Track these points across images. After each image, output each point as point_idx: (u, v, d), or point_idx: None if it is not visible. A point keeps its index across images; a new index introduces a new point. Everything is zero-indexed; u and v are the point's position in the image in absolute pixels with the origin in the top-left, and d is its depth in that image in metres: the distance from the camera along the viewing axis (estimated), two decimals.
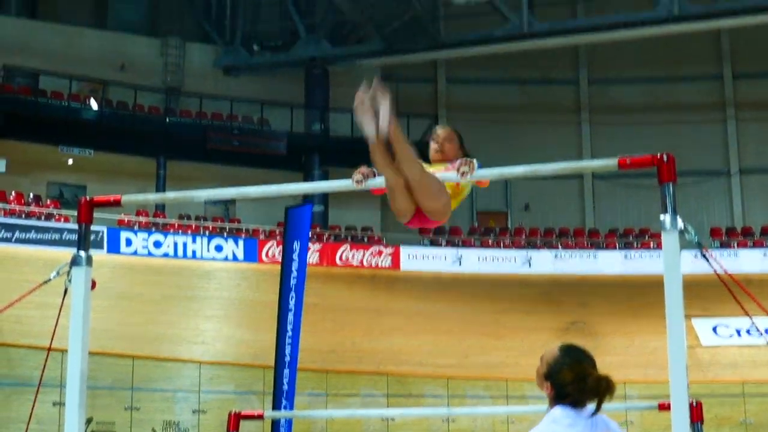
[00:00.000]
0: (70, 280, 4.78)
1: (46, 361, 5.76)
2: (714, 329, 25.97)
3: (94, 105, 32.08)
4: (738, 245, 31.64)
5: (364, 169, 4.78)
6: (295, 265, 12.35)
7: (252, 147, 32.43)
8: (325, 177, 32.81)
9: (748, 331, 25.21)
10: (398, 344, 24.20)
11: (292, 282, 12.10)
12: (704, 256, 4.14)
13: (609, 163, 4.32)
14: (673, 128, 35.56)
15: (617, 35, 31.18)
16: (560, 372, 3.81)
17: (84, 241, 4.84)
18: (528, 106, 36.84)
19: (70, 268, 4.77)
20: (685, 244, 4.07)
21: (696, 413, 6.00)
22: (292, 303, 12.25)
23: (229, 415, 6.69)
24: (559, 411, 3.75)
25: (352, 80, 34.63)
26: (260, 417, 7.73)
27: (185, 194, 5.76)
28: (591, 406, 3.78)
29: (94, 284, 4.83)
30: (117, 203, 5.17)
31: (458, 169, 4.66)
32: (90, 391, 4.71)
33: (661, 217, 4.01)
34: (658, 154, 4.12)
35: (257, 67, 34.84)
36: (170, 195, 6.75)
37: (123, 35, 34.45)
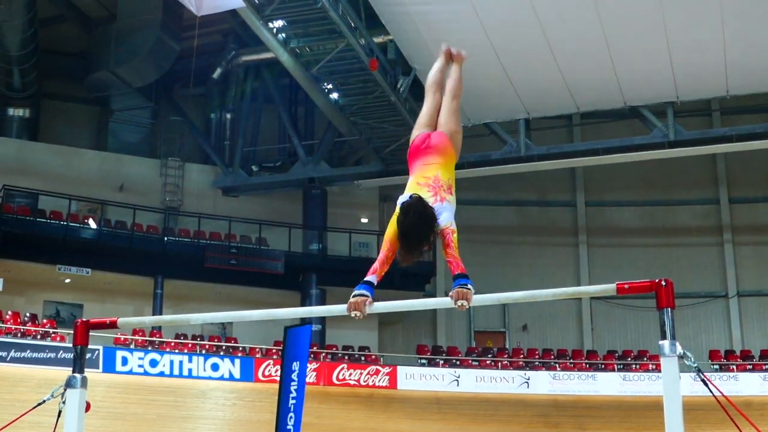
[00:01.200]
0: (64, 402, 4.80)
1: None
2: None
3: (92, 225, 32.18)
4: (737, 369, 31.48)
5: (357, 301, 4.90)
6: (294, 386, 12.33)
7: (250, 266, 32.49)
8: (322, 296, 32.88)
9: None
10: None
11: (291, 402, 12.08)
12: (704, 381, 4.22)
13: (608, 288, 4.43)
14: (670, 251, 35.79)
15: (613, 158, 31.44)
16: None
17: (79, 362, 4.88)
18: (525, 227, 37.13)
19: (65, 390, 4.80)
20: (684, 367, 4.15)
21: None
22: (290, 423, 12.20)
23: None
24: None
25: (350, 200, 35.13)
26: None
27: (180, 318, 5.80)
28: None
29: (88, 406, 4.86)
30: (113, 325, 5.21)
31: (456, 302, 4.76)
32: None
33: (660, 342, 4.10)
34: (657, 280, 4.22)
35: (256, 188, 35.03)
36: (166, 318, 6.72)
37: (123, 156, 34.66)
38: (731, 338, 35.35)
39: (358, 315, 4.84)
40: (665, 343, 4.07)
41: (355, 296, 4.96)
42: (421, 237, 5.11)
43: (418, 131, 5.97)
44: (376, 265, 5.09)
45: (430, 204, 5.19)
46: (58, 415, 4.75)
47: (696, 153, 31.52)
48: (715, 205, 37.00)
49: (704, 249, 36.45)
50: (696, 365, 4.16)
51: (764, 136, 29.97)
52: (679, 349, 4.05)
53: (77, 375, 4.73)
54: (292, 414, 12.04)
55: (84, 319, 5.06)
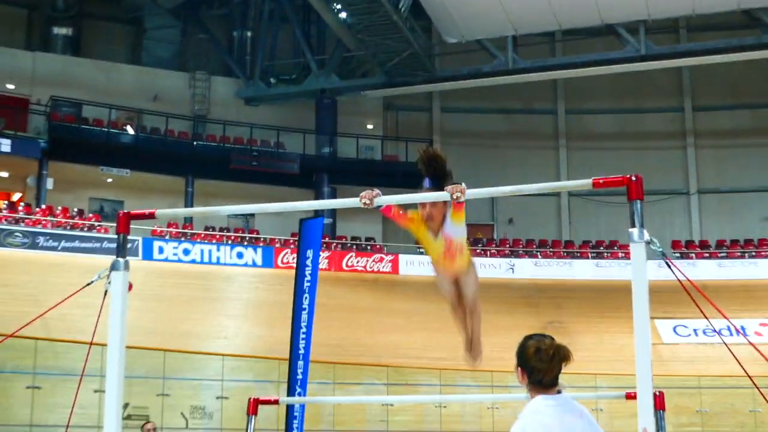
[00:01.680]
0: (109, 283, 4.80)
1: (88, 354, 5.79)
2: (674, 329, 25.96)
3: (130, 131, 32.11)
4: (696, 256, 31.62)
5: (368, 192, 4.83)
6: (308, 270, 12.36)
7: (269, 167, 32.47)
8: (333, 193, 32.89)
9: (704, 331, 25.21)
10: (397, 340, 24.19)
11: (306, 285, 12.12)
12: (668, 264, 4.18)
13: (584, 182, 4.36)
14: (639, 153, 35.61)
15: (590, 71, 31.25)
16: (523, 352, 3.78)
17: (122, 249, 4.87)
18: (512, 133, 36.93)
19: (110, 272, 4.80)
20: (650, 255, 4.11)
21: (659, 402, 6.03)
22: (305, 303, 12.26)
23: (249, 400, 6.71)
24: (539, 400, 3.71)
25: (357, 109, 34.97)
26: (276, 402, 7.72)
27: (211, 209, 5.80)
28: (567, 394, 3.76)
29: (130, 287, 4.86)
30: (152, 216, 5.21)
31: (452, 195, 4.70)
32: (126, 380, 4.73)
33: (630, 230, 4.04)
34: (628, 175, 4.16)
35: (274, 98, 34.86)
36: (198, 210, 6.66)
37: (156, 70, 34.53)
38: (691, 230, 35.43)
39: (366, 203, 4.79)
40: (634, 231, 4.01)
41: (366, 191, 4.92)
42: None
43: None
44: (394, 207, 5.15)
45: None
46: (104, 295, 4.75)
47: (664, 66, 31.30)
48: (680, 113, 36.74)
49: (670, 152, 36.29)
50: (661, 250, 4.12)
51: (725, 51, 29.75)
52: (646, 236, 4.00)
53: (120, 259, 4.72)
54: (306, 295, 12.09)
55: (125, 212, 5.04)
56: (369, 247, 32.01)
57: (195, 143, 32.59)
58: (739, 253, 31.67)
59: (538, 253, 32.24)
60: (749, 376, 4.92)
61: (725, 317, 4.63)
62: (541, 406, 3.69)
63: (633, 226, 4.03)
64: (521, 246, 32.84)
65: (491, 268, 30.83)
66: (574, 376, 20.98)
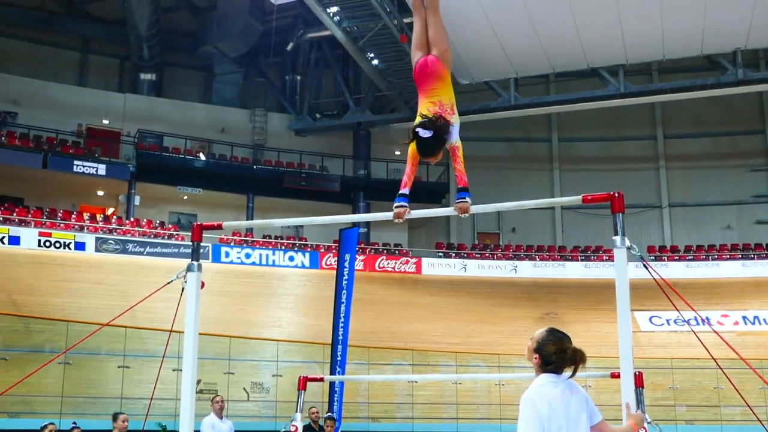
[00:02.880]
0: (185, 282, 4.82)
1: (168, 339, 5.82)
2: (650, 319, 25.72)
3: (202, 157, 32.26)
4: (668, 259, 31.30)
5: (399, 211, 4.84)
6: (346, 271, 12.38)
7: (315, 186, 32.52)
8: (367, 208, 32.93)
9: (675, 321, 24.96)
10: (420, 328, 24.14)
11: (344, 282, 12.14)
12: (645, 266, 4.13)
13: (575, 198, 4.33)
14: (620, 173, 35.35)
15: (579, 106, 31.09)
16: (546, 346, 3.76)
17: (196, 253, 4.89)
18: (514, 157, 36.80)
19: (186, 273, 4.81)
20: (630, 258, 4.06)
21: (638, 380, 5.96)
22: (344, 297, 12.27)
23: (299, 378, 6.70)
24: (544, 377, 3.72)
25: (387, 138, 34.97)
26: (321, 380, 7.72)
27: (267, 222, 5.82)
28: (567, 373, 3.75)
29: (203, 285, 4.88)
30: (219, 227, 5.24)
31: (460, 214, 4.71)
32: (199, 361, 4.75)
33: (614, 237, 4.00)
34: (612, 192, 4.13)
35: (319, 130, 34.94)
36: (257, 222, 6.59)
37: (223, 108, 34.71)
38: (663, 237, 35.07)
39: (400, 221, 4.81)
40: (617, 238, 3.98)
41: (397, 207, 4.87)
42: (435, 150, 4.88)
43: (415, 55, 5.29)
44: (405, 179, 4.94)
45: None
46: (182, 291, 4.77)
47: (640, 102, 31.03)
48: (653, 141, 36.45)
49: (645, 172, 35.97)
50: (639, 254, 4.08)
51: (691, 89, 29.52)
52: (627, 243, 3.97)
53: (195, 262, 4.74)
54: (344, 291, 12.12)
55: (198, 223, 5.06)
56: (397, 252, 31.93)
57: (255, 167, 32.68)
58: (703, 256, 31.28)
59: (537, 257, 32.06)
60: (713, 358, 4.87)
61: (693, 309, 4.58)
62: (546, 381, 3.69)
63: (616, 234, 4.00)
64: (522, 250, 32.65)
65: (497, 269, 30.70)
66: None
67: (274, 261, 28.89)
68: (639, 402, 5.76)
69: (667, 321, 25.68)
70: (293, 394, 17.04)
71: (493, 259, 31.51)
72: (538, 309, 26.69)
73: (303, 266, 28.97)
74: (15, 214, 27.19)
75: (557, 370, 3.74)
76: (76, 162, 28.82)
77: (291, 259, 29.11)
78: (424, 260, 30.88)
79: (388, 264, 30.34)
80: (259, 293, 25.92)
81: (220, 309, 22.32)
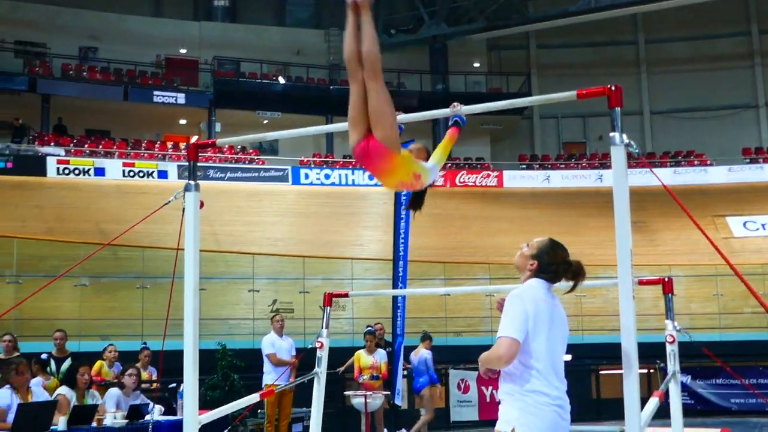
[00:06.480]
0: (185, 202, 4.45)
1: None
2: (744, 224, 25.06)
3: (281, 80, 32.39)
4: (763, 161, 29.98)
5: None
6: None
7: (394, 103, 32.22)
8: (446, 122, 32.53)
9: None
10: (501, 242, 23.93)
11: (403, 198, 12.07)
12: (635, 156, 3.86)
13: (570, 94, 4.09)
14: (712, 73, 33.80)
15: (665, 4, 29.60)
16: (548, 254, 3.76)
17: (192, 173, 4.38)
18: (598, 63, 35.46)
19: (184, 192, 4.42)
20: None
21: (667, 287, 5.63)
22: (403, 213, 12.24)
23: (324, 294, 5.90)
24: (536, 281, 3.75)
25: (464, 51, 34.22)
26: (346, 295, 6.53)
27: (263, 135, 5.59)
28: (556, 284, 3.78)
29: (202, 204, 4.49)
30: (213, 145, 5.13)
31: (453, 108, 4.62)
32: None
33: (611, 134, 3.71)
34: (608, 86, 3.85)
35: (395, 46, 34.36)
36: (257, 136, 5.78)
37: (297, 30, 34.57)
38: (761, 138, 33.42)
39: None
40: (615, 135, 3.68)
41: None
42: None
43: (352, 133, 4.23)
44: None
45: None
46: (183, 212, 4.42)
47: None
48: (747, 36, 34.55)
49: (740, 71, 34.21)
50: (638, 151, 3.80)
51: None
52: (626, 139, 3.67)
53: (191, 182, 4.36)
54: (404, 206, 12.08)
55: (193, 142, 4.97)
56: (479, 165, 31.58)
57: (331, 87, 32.59)
58: None
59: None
60: None
61: None
62: (538, 285, 3.73)
63: (614, 130, 3.70)
64: (608, 159, 31.75)
65: (582, 179, 30.08)
66: (653, 267, 20.38)
67: (354, 180, 29.00)
68: (668, 309, 5.50)
69: (762, 225, 24.79)
70: (371, 311, 17.24)
71: (578, 169, 30.81)
72: None
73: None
74: (101, 147, 28.04)
75: (552, 280, 3.78)
76: (155, 92, 29.40)
77: (371, 177, 29.03)
78: (506, 173, 30.46)
79: (468, 179, 30.05)
80: (340, 213, 26.12)
81: (298, 230, 22.64)
